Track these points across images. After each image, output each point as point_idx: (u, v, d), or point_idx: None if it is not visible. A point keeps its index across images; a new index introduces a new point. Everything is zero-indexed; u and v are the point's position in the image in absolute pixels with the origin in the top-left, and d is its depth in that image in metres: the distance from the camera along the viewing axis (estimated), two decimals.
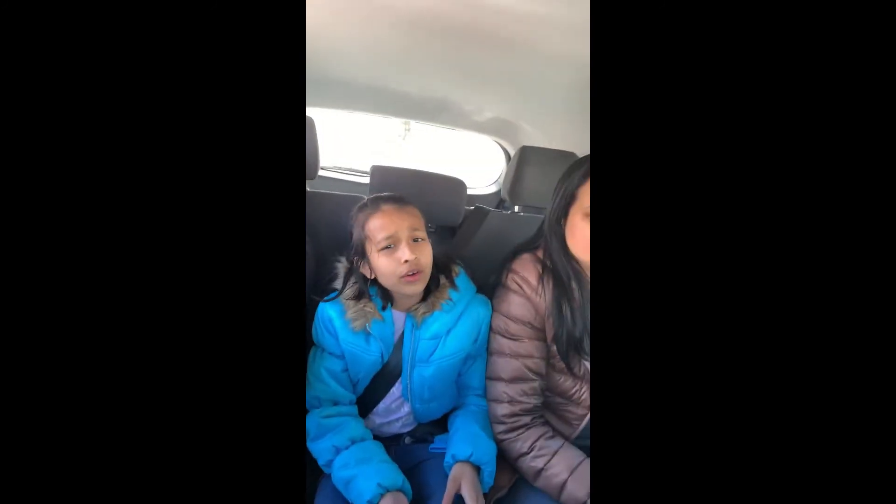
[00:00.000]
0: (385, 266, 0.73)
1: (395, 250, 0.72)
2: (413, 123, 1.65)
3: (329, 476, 0.72)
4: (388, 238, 0.73)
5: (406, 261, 0.71)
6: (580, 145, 1.22)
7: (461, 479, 0.71)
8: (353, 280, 0.78)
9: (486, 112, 1.40)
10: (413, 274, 0.72)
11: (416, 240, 0.74)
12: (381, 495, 0.65)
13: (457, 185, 1.06)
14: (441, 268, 0.80)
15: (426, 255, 0.74)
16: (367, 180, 1.37)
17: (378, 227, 0.74)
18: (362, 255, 0.76)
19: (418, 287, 0.75)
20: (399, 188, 0.99)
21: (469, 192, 1.74)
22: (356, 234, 0.77)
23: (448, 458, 0.75)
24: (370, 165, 1.05)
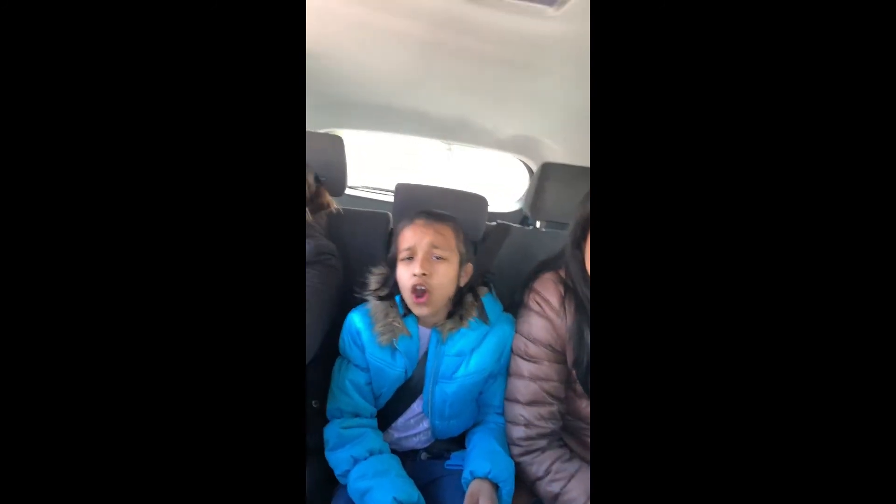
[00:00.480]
0: (401, 276, 0.76)
1: (412, 262, 0.74)
2: (455, 146, 1.70)
3: (345, 488, 0.73)
4: (407, 249, 0.75)
5: (415, 274, 0.73)
6: None
7: (479, 496, 0.70)
8: (385, 284, 0.80)
9: (507, 129, 1.42)
10: (421, 293, 0.73)
11: (436, 258, 0.74)
12: None
13: (478, 201, 1.07)
14: (470, 288, 0.80)
15: (440, 276, 0.74)
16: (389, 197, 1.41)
17: (403, 238, 0.76)
18: (393, 263, 0.78)
19: (423, 310, 0.75)
20: (421, 204, 1.01)
21: (495, 210, 1.76)
22: (392, 243, 0.80)
23: (466, 475, 0.74)
24: (395, 183, 1.09)
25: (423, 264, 0.73)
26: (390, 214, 1.12)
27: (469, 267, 0.80)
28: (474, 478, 0.72)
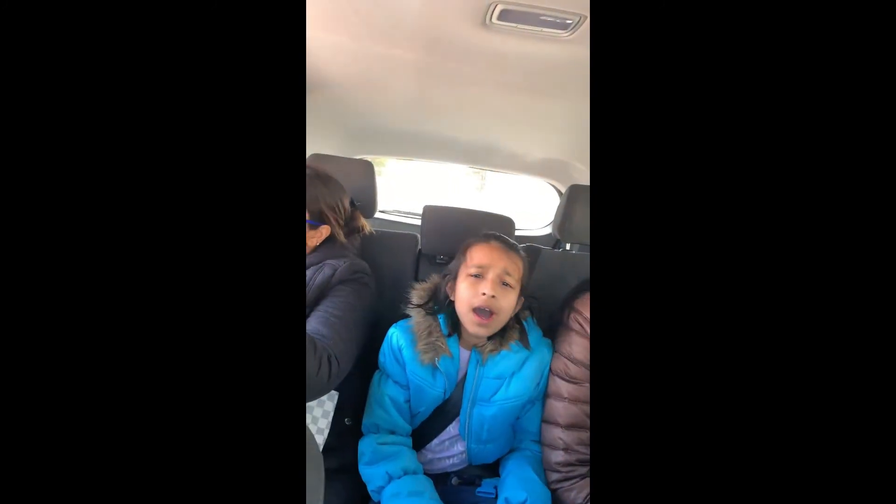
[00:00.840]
0: (464, 291, 0.74)
1: (480, 280, 0.74)
2: (488, 174, 1.75)
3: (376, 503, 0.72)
4: (479, 267, 0.75)
5: (484, 293, 0.72)
6: None
7: None
8: (430, 298, 0.80)
9: (535, 153, 1.43)
10: (486, 314, 0.72)
11: (505, 283, 0.74)
12: None
13: (504, 223, 1.08)
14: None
15: (507, 302, 0.74)
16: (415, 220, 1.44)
17: (477, 254, 0.76)
18: (454, 276, 0.78)
19: (483, 331, 0.74)
20: (448, 225, 1.03)
21: (525, 233, 1.76)
22: (458, 257, 0.80)
23: (501, 502, 0.72)
24: (423, 206, 1.11)
25: (494, 286, 0.73)
26: (418, 236, 1.14)
27: (521, 299, 0.79)
28: None
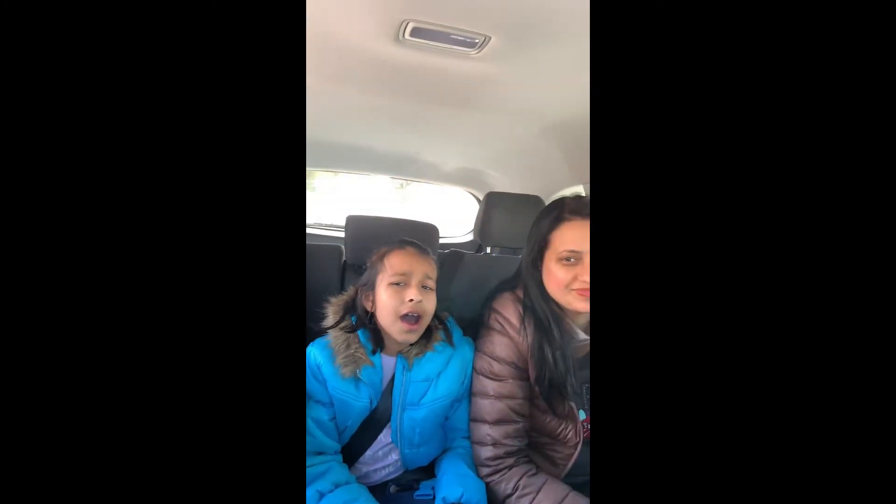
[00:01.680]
0: (388, 300, 0.75)
1: (403, 288, 0.75)
2: (411, 188, 1.77)
3: None
4: (401, 275, 0.76)
5: (411, 300, 0.74)
6: (544, 190, 1.30)
7: None
8: (346, 313, 0.79)
9: (452, 163, 1.49)
10: (414, 320, 0.74)
11: (425, 287, 0.77)
12: None
13: (429, 230, 1.11)
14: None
15: (430, 304, 0.77)
16: (338, 233, 1.42)
17: (397, 262, 0.77)
18: (372, 287, 0.78)
19: (412, 337, 0.76)
20: (373, 234, 1.03)
21: (449, 240, 1.81)
22: (371, 267, 0.80)
23: (438, 502, 0.73)
24: (346, 216, 1.10)
25: (420, 292, 0.75)
26: (342, 247, 1.12)
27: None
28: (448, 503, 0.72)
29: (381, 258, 0.79)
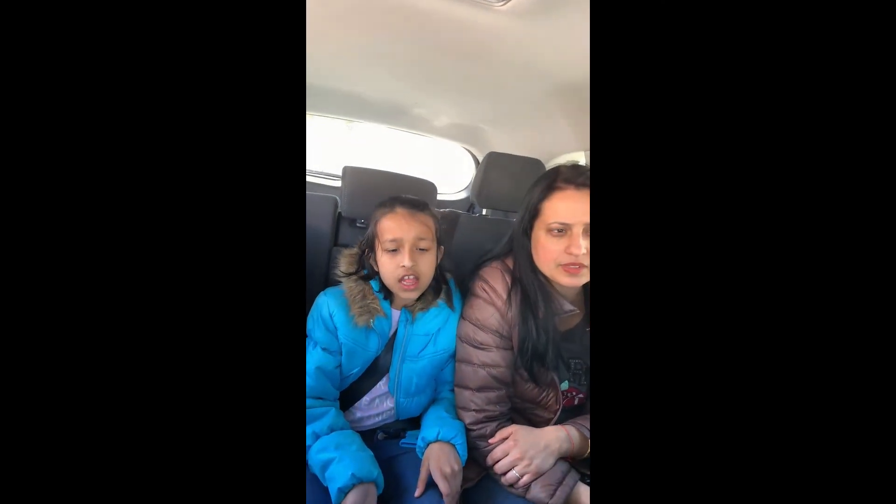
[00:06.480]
0: (386, 266, 0.77)
1: (398, 254, 0.76)
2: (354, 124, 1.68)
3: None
4: (393, 241, 0.76)
5: (404, 266, 0.74)
6: (546, 153, 1.28)
7: (432, 458, 0.73)
8: (360, 266, 0.81)
9: (453, 118, 1.44)
10: (410, 279, 0.76)
11: (420, 249, 0.77)
12: (353, 485, 0.66)
13: (427, 187, 1.09)
14: (440, 269, 0.83)
15: (426, 265, 0.78)
16: (337, 183, 1.38)
17: (387, 228, 0.77)
18: (372, 248, 0.79)
19: (413, 294, 0.78)
20: (370, 189, 1.01)
21: (443, 197, 1.79)
22: (370, 228, 0.81)
23: (419, 444, 0.78)
24: (342, 167, 1.07)
25: (412, 257, 0.75)
26: (337, 198, 1.10)
27: (441, 248, 0.83)
28: (427, 443, 0.76)
29: (375, 224, 0.79)
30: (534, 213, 0.77)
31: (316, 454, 0.70)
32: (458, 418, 0.81)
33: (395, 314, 0.82)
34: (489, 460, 0.78)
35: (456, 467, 0.73)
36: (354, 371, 0.81)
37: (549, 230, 0.74)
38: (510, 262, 0.81)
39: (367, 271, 0.82)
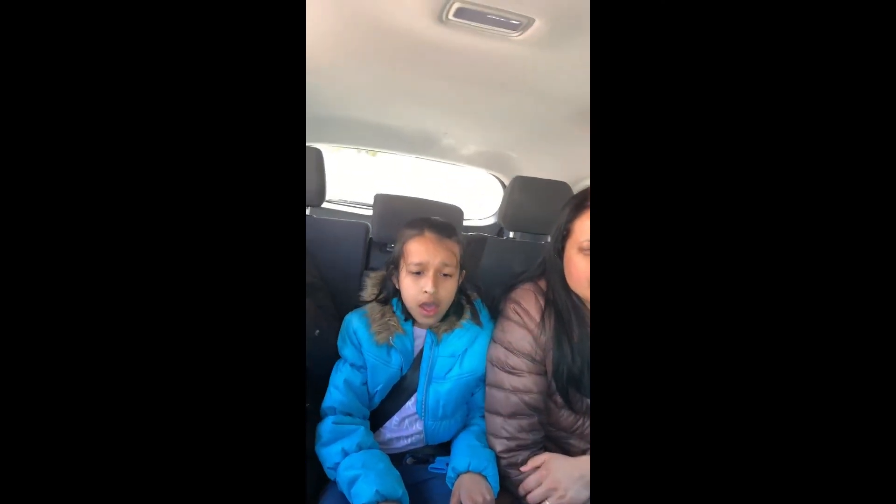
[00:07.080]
0: (408, 288, 0.79)
1: (421, 277, 0.78)
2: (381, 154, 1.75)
3: (333, 486, 0.73)
4: (418, 265, 0.78)
5: (426, 291, 0.76)
6: (573, 175, 1.29)
7: (462, 488, 0.72)
8: (383, 288, 0.84)
9: (479, 145, 1.48)
10: (430, 307, 0.78)
11: (444, 274, 0.79)
12: (378, 502, 0.66)
13: (454, 212, 1.11)
14: (462, 290, 0.84)
15: (447, 291, 0.79)
16: (369, 211, 1.43)
17: (414, 251, 0.79)
18: (397, 267, 0.82)
19: (430, 321, 0.80)
20: (400, 214, 1.04)
21: (471, 223, 1.81)
22: (397, 247, 0.83)
23: (450, 473, 0.76)
24: (374, 194, 1.11)
25: (435, 282, 0.77)
26: (369, 224, 1.14)
27: (463, 272, 0.84)
28: (457, 474, 0.75)
29: (403, 244, 0.81)
30: (565, 234, 0.77)
31: (343, 471, 0.71)
32: (489, 445, 0.79)
33: (421, 333, 0.83)
34: (521, 490, 0.75)
35: (488, 497, 0.71)
36: (379, 388, 0.81)
37: (581, 249, 0.73)
38: (543, 284, 0.80)
39: (387, 294, 0.84)
